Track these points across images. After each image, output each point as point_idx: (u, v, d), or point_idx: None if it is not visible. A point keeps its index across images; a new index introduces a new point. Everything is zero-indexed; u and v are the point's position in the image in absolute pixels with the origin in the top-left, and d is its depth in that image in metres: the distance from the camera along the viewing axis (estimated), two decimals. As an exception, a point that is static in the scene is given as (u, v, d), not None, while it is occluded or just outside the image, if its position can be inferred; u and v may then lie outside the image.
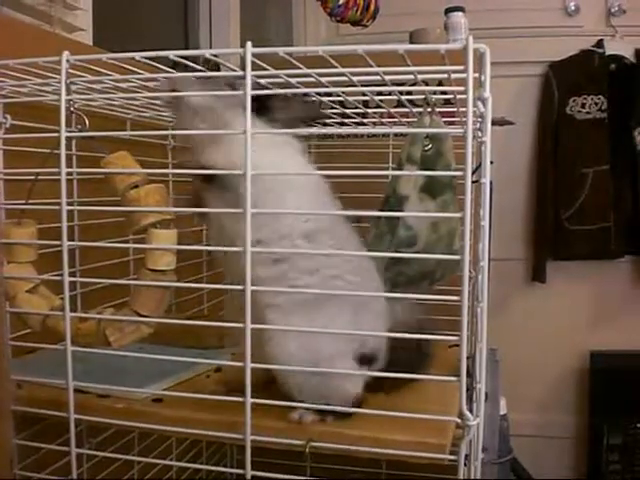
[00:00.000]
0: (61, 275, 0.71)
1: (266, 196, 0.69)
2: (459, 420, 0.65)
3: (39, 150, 0.75)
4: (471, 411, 0.64)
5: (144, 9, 1.78)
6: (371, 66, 0.71)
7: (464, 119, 0.60)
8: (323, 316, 0.73)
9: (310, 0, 2.35)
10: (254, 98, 0.64)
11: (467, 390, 0.64)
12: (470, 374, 0.76)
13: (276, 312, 0.73)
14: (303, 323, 0.72)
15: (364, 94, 0.90)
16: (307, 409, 0.73)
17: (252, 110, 0.64)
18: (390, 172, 0.65)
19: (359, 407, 0.74)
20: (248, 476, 0.70)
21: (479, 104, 0.61)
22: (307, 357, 0.72)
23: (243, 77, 0.64)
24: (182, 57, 0.70)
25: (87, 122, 0.76)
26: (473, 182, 0.63)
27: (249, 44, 0.64)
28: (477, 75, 0.61)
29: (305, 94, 0.81)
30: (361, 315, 0.76)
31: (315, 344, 0.73)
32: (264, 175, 0.68)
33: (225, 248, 0.73)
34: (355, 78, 0.77)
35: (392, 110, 1.08)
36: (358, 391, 0.76)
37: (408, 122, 1.13)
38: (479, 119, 0.62)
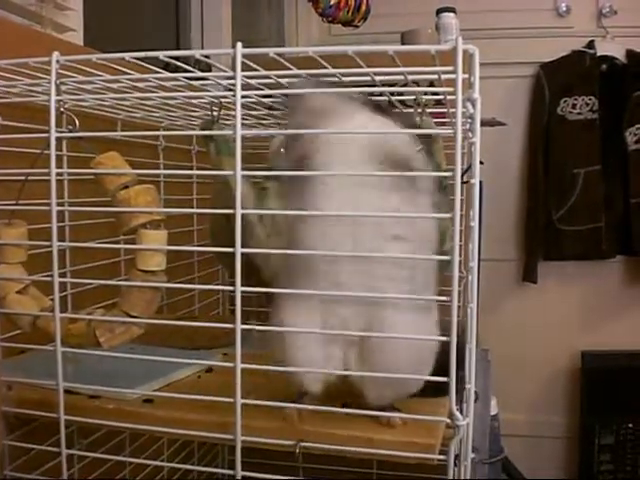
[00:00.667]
0: (51, 276, 0.71)
1: None
2: (449, 420, 0.65)
3: (30, 150, 0.75)
4: (461, 411, 0.65)
5: (135, 10, 1.78)
6: (362, 67, 0.71)
7: (454, 120, 0.60)
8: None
9: (302, 0, 2.35)
10: None
11: (457, 390, 0.65)
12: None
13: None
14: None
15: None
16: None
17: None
18: (381, 173, 0.65)
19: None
20: (238, 476, 0.69)
21: (468, 105, 0.61)
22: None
23: (233, 77, 0.64)
24: (172, 57, 0.70)
25: (77, 122, 0.75)
26: (463, 183, 0.63)
27: (239, 45, 0.63)
28: (467, 76, 0.62)
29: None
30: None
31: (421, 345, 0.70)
32: None
33: (219, 249, 0.73)
34: (346, 79, 0.77)
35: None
36: None
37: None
38: (469, 120, 0.63)
